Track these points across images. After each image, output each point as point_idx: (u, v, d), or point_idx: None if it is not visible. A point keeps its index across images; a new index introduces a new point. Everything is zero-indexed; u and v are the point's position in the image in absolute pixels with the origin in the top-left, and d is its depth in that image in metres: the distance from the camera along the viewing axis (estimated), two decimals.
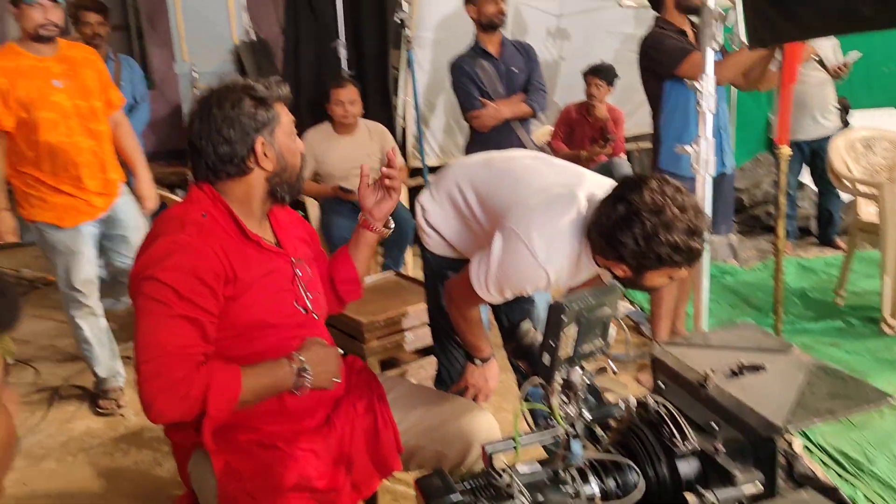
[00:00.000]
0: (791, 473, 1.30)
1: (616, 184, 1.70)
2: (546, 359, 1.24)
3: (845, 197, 4.78)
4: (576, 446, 1.25)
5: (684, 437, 1.24)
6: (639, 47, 3.33)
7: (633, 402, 1.33)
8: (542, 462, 1.28)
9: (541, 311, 2.22)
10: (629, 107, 5.13)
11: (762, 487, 1.22)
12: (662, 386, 1.42)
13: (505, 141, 3.60)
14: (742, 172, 5.54)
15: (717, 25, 2.35)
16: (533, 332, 1.56)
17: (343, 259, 1.93)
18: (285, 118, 1.65)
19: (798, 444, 2.44)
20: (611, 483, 1.27)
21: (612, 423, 1.37)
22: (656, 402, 1.30)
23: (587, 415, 1.28)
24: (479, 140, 3.76)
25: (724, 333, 1.57)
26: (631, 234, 1.58)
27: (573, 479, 1.25)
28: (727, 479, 1.21)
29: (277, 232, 1.73)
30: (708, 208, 2.45)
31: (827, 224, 4.99)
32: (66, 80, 2.89)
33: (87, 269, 3.01)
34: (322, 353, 1.64)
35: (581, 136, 4.76)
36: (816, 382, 1.30)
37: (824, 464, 2.58)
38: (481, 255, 1.84)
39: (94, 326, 3.09)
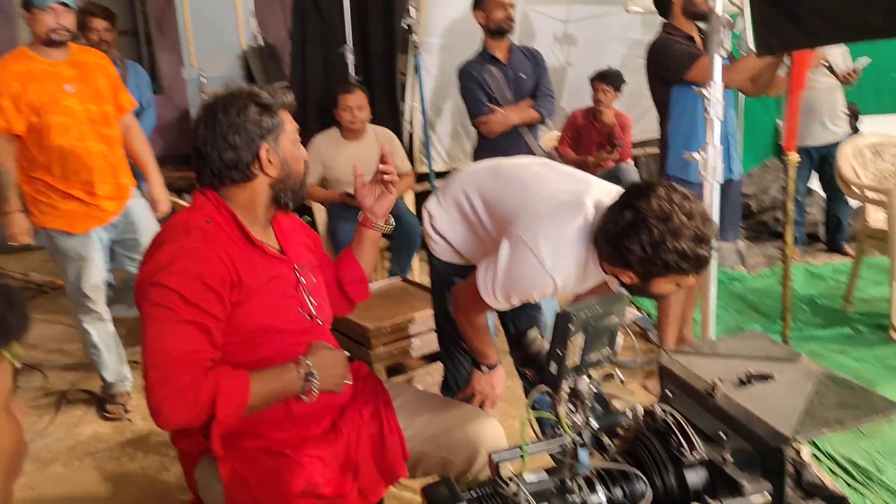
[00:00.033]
0: (800, 482, 1.29)
1: (623, 190, 1.70)
2: (553, 367, 1.24)
3: (854, 203, 4.76)
4: (583, 455, 1.24)
5: (692, 446, 1.24)
6: (646, 53, 3.32)
7: (640, 410, 1.32)
8: (548, 471, 1.27)
9: (548, 317, 2.21)
10: (636, 112, 5.13)
11: (770, 498, 1.21)
12: (670, 395, 1.42)
13: (513, 147, 3.59)
14: (750, 178, 5.51)
15: (725, 32, 2.34)
16: (540, 340, 1.55)
17: (348, 260, 1.93)
18: (289, 125, 1.66)
19: (806, 452, 2.42)
20: (618, 492, 1.26)
21: (620, 431, 1.36)
22: (664, 410, 1.30)
23: (594, 423, 1.27)
24: (487, 146, 3.75)
25: (732, 342, 1.57)
26: (638, 241, 1.58)
27: (580, 488, 1.24)
28: (735, 489, 1.20)
29: (280, 238, 1.74)
30: (716, 215, 2.45)
31: (835, 230, 4.97)
32: (78, 85, 2.90)
33: (96, 275, 3.01)
34: (329, 358, 1.64)
35: (588, 141, 4.75)
36: (825, 392, 1.30)
37: (833, 472, 2.56)
38: (488, 262, 1.84)
39: (102, 331, 3.10)
